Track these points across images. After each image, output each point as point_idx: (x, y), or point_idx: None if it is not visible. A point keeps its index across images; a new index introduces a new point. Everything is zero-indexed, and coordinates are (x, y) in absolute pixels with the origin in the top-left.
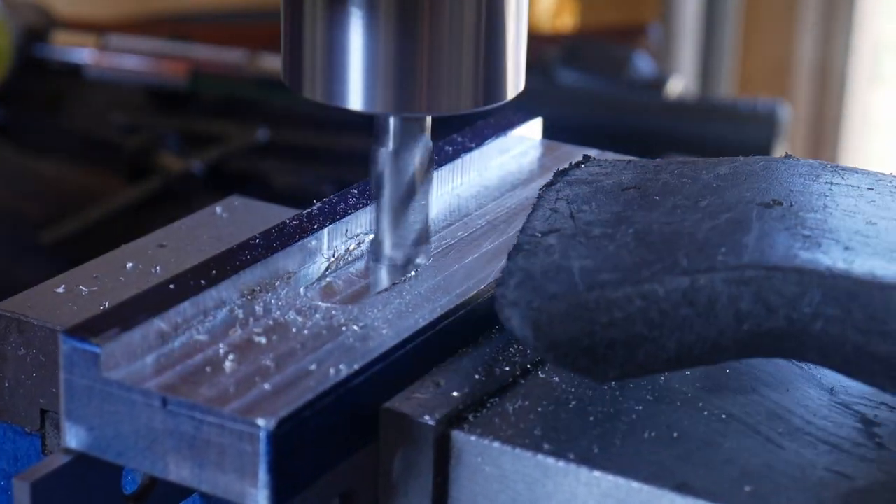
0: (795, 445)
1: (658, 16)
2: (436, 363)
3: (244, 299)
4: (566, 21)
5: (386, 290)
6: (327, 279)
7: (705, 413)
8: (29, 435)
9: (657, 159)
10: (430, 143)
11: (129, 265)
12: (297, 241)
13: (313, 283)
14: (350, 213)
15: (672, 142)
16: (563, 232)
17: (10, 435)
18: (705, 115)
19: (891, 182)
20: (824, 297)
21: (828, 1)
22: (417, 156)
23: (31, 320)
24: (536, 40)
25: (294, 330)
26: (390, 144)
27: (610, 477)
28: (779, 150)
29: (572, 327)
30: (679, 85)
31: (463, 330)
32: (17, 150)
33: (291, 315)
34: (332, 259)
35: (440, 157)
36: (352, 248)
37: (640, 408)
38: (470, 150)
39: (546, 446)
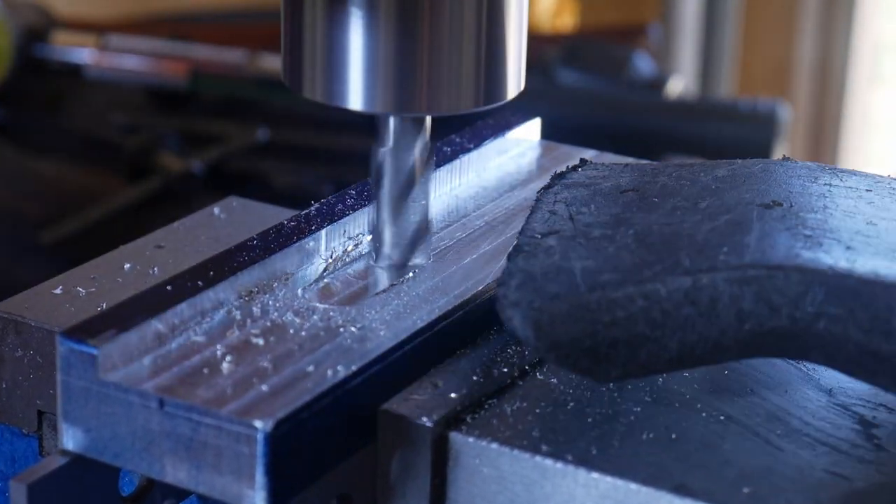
0: (794, 447)
1: (658, 16)
2: (434, 364)
3: (242, 300)
4: (566, 21)
5: (384, 291)
6: (325, 280)
7: (704, 414)
8: (26, 436)
9: (654, 162)
10: (430, 144)
11: (127, 266)
12: (294, 243)
13: (311, 284)
14: (348, 214)
15: (672, 142)
16: (562, 233)
17: (7, 436)
18: (705, 116)
19: (889, 184)
20: (827, 296)
21: (828, 1)
22: (417, 156)
23: (29, 321)
24: (536, 40)
25: (292, 331)
26: (390, 144)
27: (608, 478)
28: (779, 151)
29: (574, 327)
30: (679, 85)
31: (461, 331)
32: (17, 150)
33: (289, 316)
34: (330, 260)
35: (438, 157)
36: (350, 249)
37: (639, 409)
38: (468, 150)
39: (544, 448)
